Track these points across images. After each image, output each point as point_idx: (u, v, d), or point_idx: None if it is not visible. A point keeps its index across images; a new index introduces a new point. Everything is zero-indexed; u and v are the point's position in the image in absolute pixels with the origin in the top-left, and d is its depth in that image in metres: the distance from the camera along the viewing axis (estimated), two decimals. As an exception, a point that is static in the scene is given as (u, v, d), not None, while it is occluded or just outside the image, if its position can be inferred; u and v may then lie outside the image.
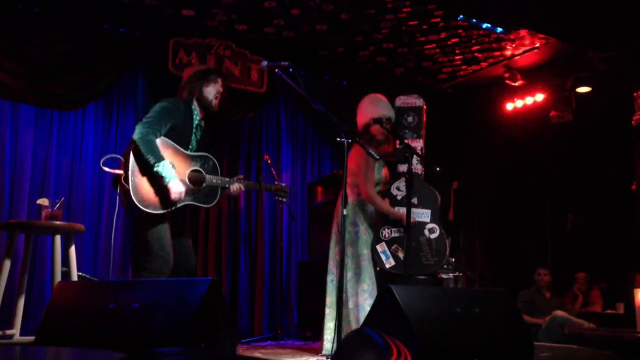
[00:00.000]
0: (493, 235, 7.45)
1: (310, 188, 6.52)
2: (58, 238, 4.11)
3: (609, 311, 6.26)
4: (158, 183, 3.40)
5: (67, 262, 4.18)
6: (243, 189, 3.73)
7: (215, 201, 3.65)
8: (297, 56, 6.21)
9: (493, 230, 7.45)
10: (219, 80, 3.71)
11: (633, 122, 5.89)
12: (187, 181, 3.53)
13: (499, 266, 7.36)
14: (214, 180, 3.60)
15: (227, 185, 3.65)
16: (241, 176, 3.84)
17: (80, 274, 4.48)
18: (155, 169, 3.35)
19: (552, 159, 6.98)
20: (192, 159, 3.58)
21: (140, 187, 3.36)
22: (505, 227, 7.44)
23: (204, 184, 3.57)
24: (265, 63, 3.40)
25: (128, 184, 3.32)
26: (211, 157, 3.66)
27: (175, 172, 3.41)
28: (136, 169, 3.37)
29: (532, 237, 7.39)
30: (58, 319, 2.74)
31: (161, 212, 3.41)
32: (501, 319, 2.97)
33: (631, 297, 5.34)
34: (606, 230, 6.63)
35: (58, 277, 4.02)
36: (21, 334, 4.18)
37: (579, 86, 6.51)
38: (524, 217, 7.38)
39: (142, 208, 3.34)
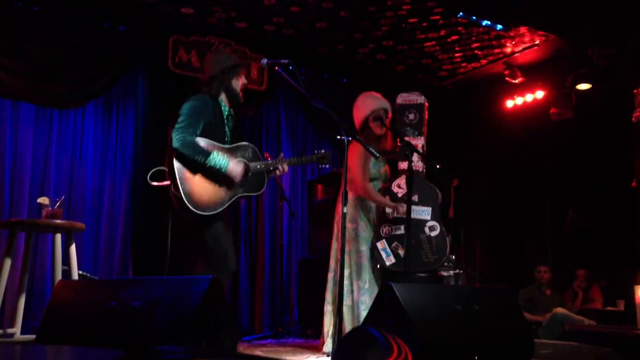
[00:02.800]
0: (493, 233, 7.45)
1: (310, 186, 6.52)
2: (58, 236, 4.11)
3: (609, 308, 6.26)
4: (209, 184, 3.40)
5: (68, 261, 4.18)
6: (286, 169, 3.71)
7: (265, 186, 3.65)
8: (297, 54, 6.21)
9: (493, 227, 7.45)
10: (245, 72, 3.73)
11: (633, 119, 5.89)
12: None
13: (499, 263, 7.36)
14: (259, 167, 3.59)
15: (271, 168, 3.65)
16: (282, 155, 3.82)
17: (80, 272, 4.48)
18: (208, 165, 3.35)
19: (552, 156, 6.98)
20: (232, 151, 3.55)
21: (193, 192, 3.34)
22: (505, 225, 7.44)
23: (250, 173, 3.57)
24: (265, 61, 3.40)
25: (179, 192, 3.31)
26: (249, 144, 3.65)
27: (226, 156, 3.42)
28: (184, 175, 3.35)
29: (532, 234, 7.39)
30: (59, 318, 2.74)
31: (218, 211, 3.41)
32: (502, 316, 2.97)
33: (631, 294, 5.34)
34: (606, 227, 6.63)
35: (59, 276, 4.02)
36: (22, 333, 4.19)
37: (579, 83, 6.50)
38: (524, 214, 7.37)
39: (199, 212, 3.33)
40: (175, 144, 3.33)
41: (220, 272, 3.36)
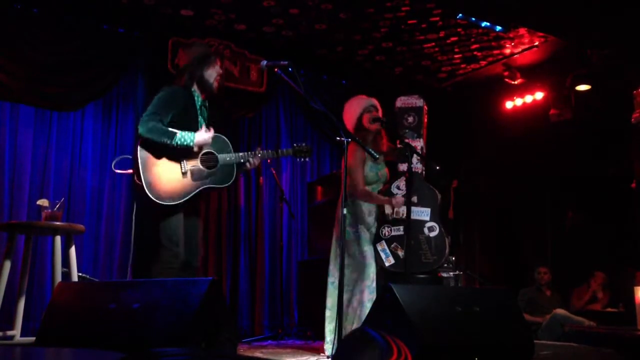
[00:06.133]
0: (493, 234, 7.46)
1: (310, 187, 6.52)
2: (58, 239, 4.11)
3: (609, 309, 6.26)
4: (173, 174, 3.39)
5: (68, 263, 4.18)
6: (257, 162, 3.68)
7: (233, 179, 3.62)
8: (296, 55, 6.21)
9: (493, 228, 7.45)
10: (219, 62, 3.71)
11: (632, 119, 5.89)
12: (201, 165, 3.51)
13: (499, 264, 7.37)
14: (228, 158, 3.57)
15: (242, 161, 3.62)
16: (258, 148, 3.78)
17: (80, 274, 4.48)
18: (176, 145, 3.35)
19: (551, 157, 6.98)
20: None
21: (154, 181, 3.34)
22: (505, 226, 7.44)
23: (219, 164, 3.55)
24: (264, 62, 3.40)
25: (141, 180, 3.31)
26: (220, 135, 3.62)
27: (190, 133, 3.41)
28: (147, 164, 3.35)
29: (532, 235, 7.39)
30: (58, 320, 2.74)
31: (179, 202, 3.39)
32: (502, 318, 2.97)
33: (631, 295, 5.35)
34: (605, 229, 6.63)
35: (58, 278, 4.02)
36: (22, 335, 4.19)
37: (579, 84, 6.50)
38: (523, 215, 7.38)
39: (158, 202, 3.32)
40: (140, 130, 3.35)
41: (170, 271, 3.35)
